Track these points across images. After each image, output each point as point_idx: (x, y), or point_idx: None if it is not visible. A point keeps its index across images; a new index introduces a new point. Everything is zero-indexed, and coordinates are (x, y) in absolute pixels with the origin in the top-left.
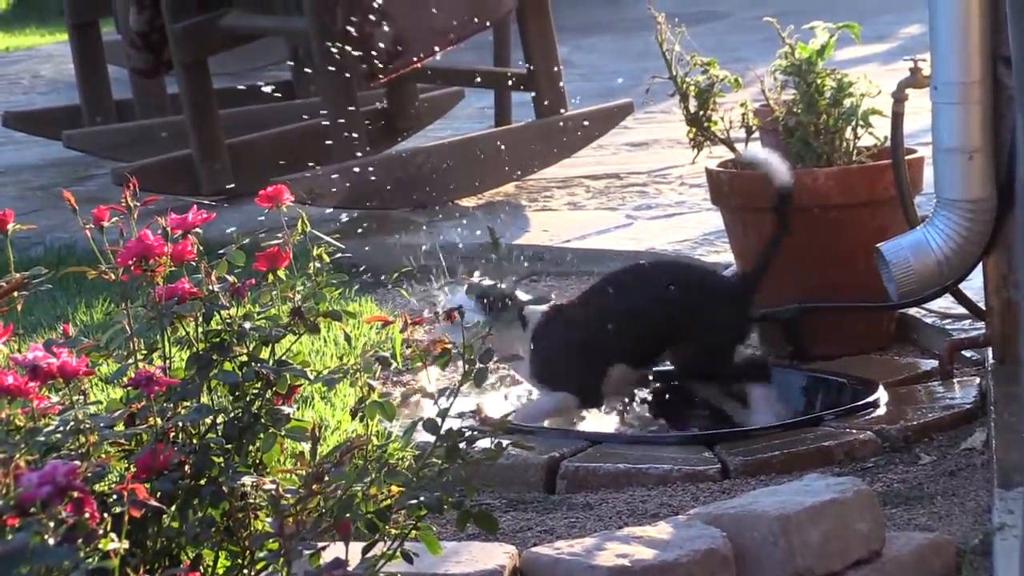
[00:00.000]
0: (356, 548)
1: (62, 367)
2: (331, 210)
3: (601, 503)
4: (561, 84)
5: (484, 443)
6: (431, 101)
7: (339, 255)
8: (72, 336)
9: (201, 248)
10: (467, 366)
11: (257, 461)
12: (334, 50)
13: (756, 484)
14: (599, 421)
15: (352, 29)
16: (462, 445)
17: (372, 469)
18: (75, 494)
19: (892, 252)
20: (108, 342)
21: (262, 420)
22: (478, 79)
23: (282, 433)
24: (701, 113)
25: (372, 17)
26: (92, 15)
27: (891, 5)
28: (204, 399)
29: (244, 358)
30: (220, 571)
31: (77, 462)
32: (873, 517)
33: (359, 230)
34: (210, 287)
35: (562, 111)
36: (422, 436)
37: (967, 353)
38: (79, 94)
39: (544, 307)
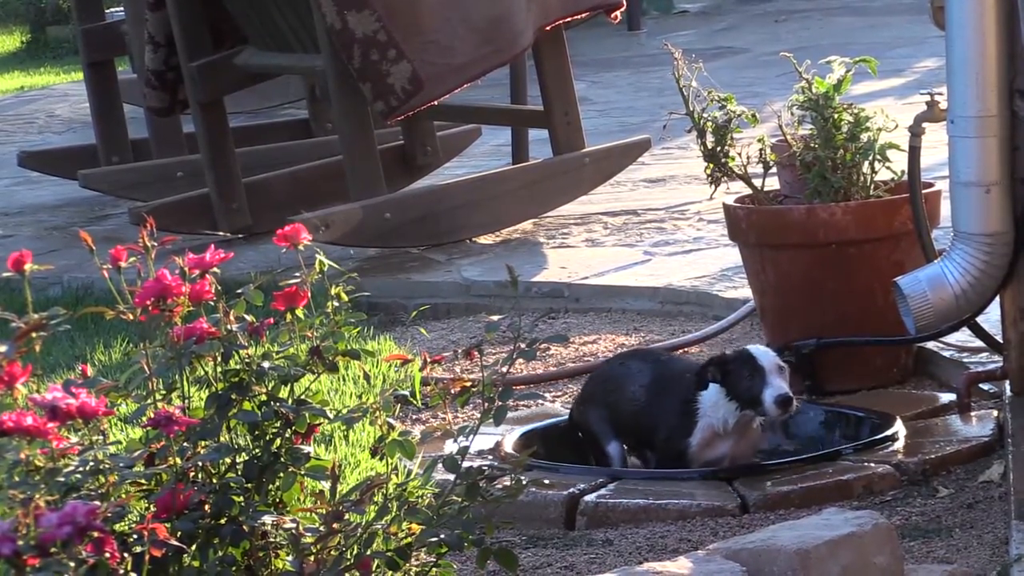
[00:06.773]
0: None
1: (81, 407)
2: (353, 251)
3: (621, 539)
4: (578, 120)
5: (504, 480)
6: (448, 139)
7: (357, 294)
8: (91, 376)
9: (219, 287)
10: (487, 404)
11: (277, 500)
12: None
13: (775, 519)
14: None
15: (368, 67)
16: (482, 483)
17: (392, 507)
18: (95, 534)
19: (910, 286)
20: (127, 382)
21: (282, 459)
22: (494, 116)
23: (302, 472)
24: (718, 149)
25: (388, 55)
26: (107, 54)
27: (906, 39)
28: (223, 438)
29: (263, 397)
30: None
31: (97, 502)
32: (892, 550)
33: (377, 268)
34: (228, 326)
35: (579, 148)
36: (442, 474)
37: (984, 386)
38: (95, 133)
39: None
